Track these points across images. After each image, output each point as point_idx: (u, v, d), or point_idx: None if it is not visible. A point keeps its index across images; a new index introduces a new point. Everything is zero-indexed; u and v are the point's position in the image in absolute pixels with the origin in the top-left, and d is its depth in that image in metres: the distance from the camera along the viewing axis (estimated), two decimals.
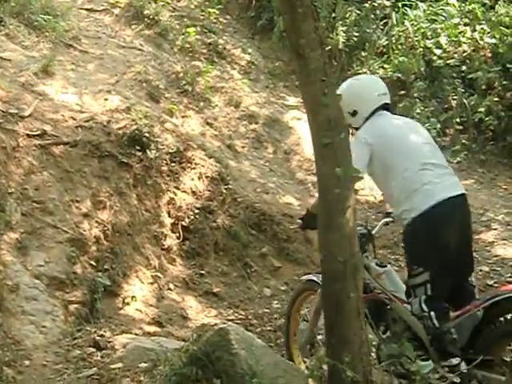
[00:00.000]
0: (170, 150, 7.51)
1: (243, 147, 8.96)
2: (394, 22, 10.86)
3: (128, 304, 6.51)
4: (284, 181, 8.74)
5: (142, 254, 6.89)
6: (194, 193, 7.45)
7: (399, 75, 10.29)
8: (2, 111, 7.01)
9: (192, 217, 7.30)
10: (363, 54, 10.81)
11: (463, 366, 4.41)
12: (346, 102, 4.66)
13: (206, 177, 7.61)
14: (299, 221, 5.42)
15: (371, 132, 4.85)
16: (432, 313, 4.53)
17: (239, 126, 9.27)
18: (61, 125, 7.19)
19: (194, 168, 7.56)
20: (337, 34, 10.69)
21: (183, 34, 10.40)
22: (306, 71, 3.79)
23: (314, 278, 5.23)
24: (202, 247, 7.30)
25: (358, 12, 11.05)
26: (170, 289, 6.91)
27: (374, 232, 5.06)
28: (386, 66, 10.47)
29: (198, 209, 7.37)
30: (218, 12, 11.33)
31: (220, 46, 10.69)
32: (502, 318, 4.44)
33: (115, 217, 6.76)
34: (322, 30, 3.60)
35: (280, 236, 7.70)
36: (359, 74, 9.77)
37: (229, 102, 9.57)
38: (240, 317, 6.80)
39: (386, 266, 5.01)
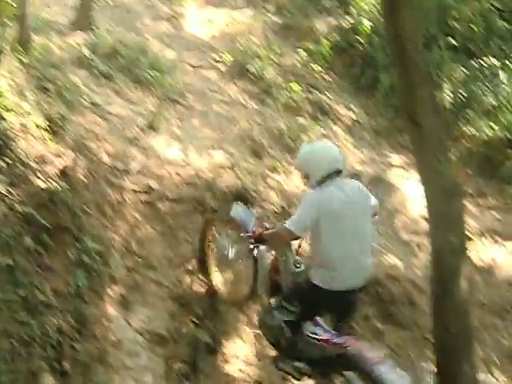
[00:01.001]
0: (274, 208, 7.48)
1: None
2: (503, 81, 10.65)
3: (229, 363, 6.46)
4: (388, 241, 8.56)
5: (244, 312, 6.83)
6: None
7: (507, 134, 10.08)
8: (109, 166, 7.14)
9: None
10: (470, 113, 10.60)
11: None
12: (300, 165, 5.80)
13: None
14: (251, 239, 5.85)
15: (317, 200, 5.49)
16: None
17: None
18: (166, 180, 7.26)
19: None
20: (443, 93, 10.54)
21: (287, 91, 10.42)
22: (421, 139, 3.72)
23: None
24: None
25: (465, 71, 10.88)
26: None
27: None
28: (493, 125, 10.26)
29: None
30: (322, 69, 11.33)
31: (324, 103, 10.63)
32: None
33: None
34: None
35: (384, 298, 7.51)
36: (466, 133, 9.66)
37: None
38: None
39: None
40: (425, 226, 8.41)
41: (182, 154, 8.00)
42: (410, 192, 9.19)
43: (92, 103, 8.30)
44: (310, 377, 5.91)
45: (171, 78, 9.70)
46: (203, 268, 6.84)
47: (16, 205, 5.40)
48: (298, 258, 6.11)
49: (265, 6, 12.88)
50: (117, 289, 6.14)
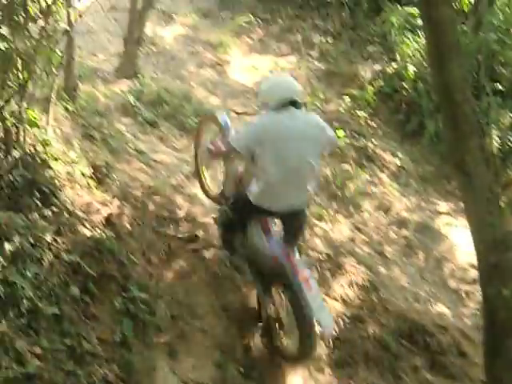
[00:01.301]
0: (320, 256, 7.42)
1: (393, 254, 8.72)
2: None
3: None
4: (436, 289, 8.42)
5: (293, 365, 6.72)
6: (344, 301, 7.24)
7: None
8: (155, 214, 7.15)
9: (342, 325, 7.10)
10: None
11: None
12: (259, 96, 6.17)
13: (357, 284, 7.41)
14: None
15: (264, 123, 5.82)
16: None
17: (389, 232, 9.07)
18: (212, 228, 7.24)
19: (344, 275, 7.39)
20: (491, 139, 10.44)
21: None
22: (471, 189, 3.66)
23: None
24: (351, 357, 6.97)
25: None
26: None
27: None
28: None
29: (348, 317, 7.14)
30: (366, 115, 11.34)
31: (369, 150, 10.61)
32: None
33: None
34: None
35: (433, 348, 7.32)
36: None
37: (378, 207, 9.43)
38: None
39: None
40: (473, 273, 8.34)
41: None
42: (458, 239, 9.07)
43: (137, 150, 8.38)
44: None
45: None
46: (197, 168, 7.59)
47: (62, 253, 5.39)
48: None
49: (309, 53, 12.97)
50: (162, 338, 6.09)
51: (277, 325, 6.20)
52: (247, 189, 6.04)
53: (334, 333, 6.24)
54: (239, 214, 6.28)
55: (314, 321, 5.69)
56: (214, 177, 7.42)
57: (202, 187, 7.52)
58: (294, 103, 5.79)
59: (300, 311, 5.74)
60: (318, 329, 5.79)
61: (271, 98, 5.83)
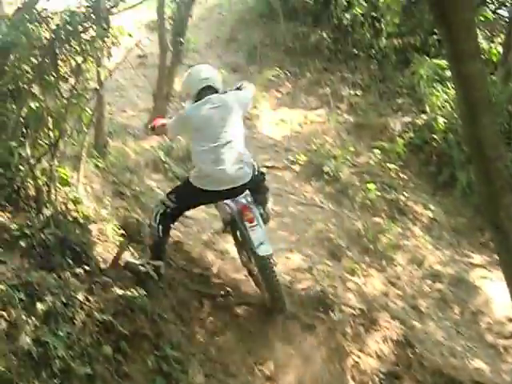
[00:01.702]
0: (354, 312, 7.32)
1: (428, 308, 8.56)
2: None
3: None
4: (472, 344, 8.23)
5: None
6: (378, 356, 7.10)
7: None
8: (186, 270, 7.14)
9: (377, 382, 6.97)
10: None
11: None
12: (182, 87, 6.94)
13: (391, 339, 7.28)
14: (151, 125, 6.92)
15: (188, 112, 6.48)
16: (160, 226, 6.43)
17: (423, 286, 8.92)
18: (243, 284, 7.19)
19: (378, 330, 7.26)
20: None
21: (363, 191, 10.37)
22: (506, 246, 3.60)
23: None
24: None
25: None
26: None
27: None
28: None
29: (383, 373, 6.99)
30: (397, 167, 11.29)
31: (401, 203, 10.53)
32: None
33: (298, 380, 6.57)
34: None
35: None
36: None
37: (412, 260, 9.31)
38: None
39: None
40: (511, 328, 8.19)
41: None
42: (494, 292, 8.90)
43: None
44: None
45: None
46: None
47: (94, 312, 5.36)
48: None
49: (338, 105, 13.04)
50: None
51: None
52: (190, 174, 6.58)
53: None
54: (182, 199, 6.54)
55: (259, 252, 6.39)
56: None
57: None
58: (211, 88, 6.51)
59: (248, 248, 6.56)
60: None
61: (190, 88, 6.59)
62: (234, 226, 6.83)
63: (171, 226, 6.60)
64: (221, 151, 6.22)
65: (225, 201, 6.69)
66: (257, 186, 6.79)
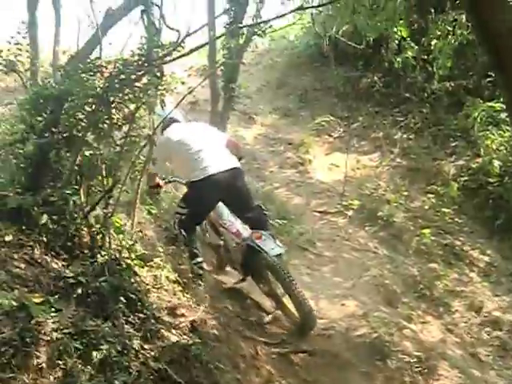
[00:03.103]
0: (411, 360, 7.15)
1: (487, 356, 8.34)
2: None
3: None
4: None
5: None
6: None
7: None
8: (241, 318, 7.07)
9: None
10: None
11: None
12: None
13: None
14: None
15: (164, 137, 7.53)
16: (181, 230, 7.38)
17: (482, 333, 8.71)
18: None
19: (437, 379, 7.09)
20: None
21: (418, 236, 10.24)
22: None
23: None
24: None
25: None
26: None
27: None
28: None
29: None
30: (452, 212, 11.13)
31: (457, 248, 10.37)
32: None
33: None
34: None
35: None
36: None
37: (469, 307, 9.11)
38: None
39: None
40: None
41: (314, 303, 7.80)
42: None
43: None
44: None
45: (299, 225, 9.71)
46: None
47: (149, 361, 5.30)
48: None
49: (391, 149, 12.94)
50: None
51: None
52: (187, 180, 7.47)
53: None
54: (194, 203, 7.32)
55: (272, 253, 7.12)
56: None
57: None
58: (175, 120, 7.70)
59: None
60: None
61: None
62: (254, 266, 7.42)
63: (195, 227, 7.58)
64: (207, 147, 7.32)
65: (231, 235, 7.73)
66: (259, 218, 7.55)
